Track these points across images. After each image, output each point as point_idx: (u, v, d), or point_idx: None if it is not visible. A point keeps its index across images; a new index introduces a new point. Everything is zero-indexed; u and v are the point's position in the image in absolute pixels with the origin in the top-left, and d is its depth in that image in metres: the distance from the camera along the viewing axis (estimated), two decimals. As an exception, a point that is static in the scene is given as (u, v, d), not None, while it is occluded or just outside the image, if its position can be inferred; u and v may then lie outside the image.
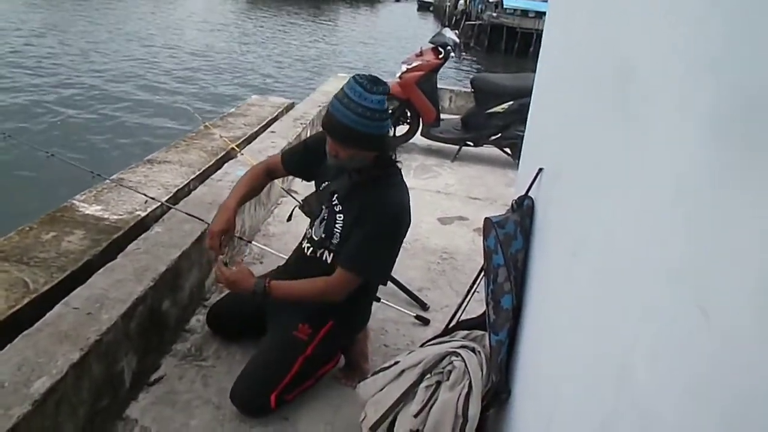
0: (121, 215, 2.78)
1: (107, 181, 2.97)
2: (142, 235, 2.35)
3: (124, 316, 1.82)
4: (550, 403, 1.32)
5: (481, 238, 1.67)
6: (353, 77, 1.79)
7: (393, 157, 1.98)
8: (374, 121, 1.77)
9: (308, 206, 2.18)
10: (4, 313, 1.97)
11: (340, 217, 1.98)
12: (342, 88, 1.79)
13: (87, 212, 2.79)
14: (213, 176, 3.14)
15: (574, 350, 1.19)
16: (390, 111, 5.31)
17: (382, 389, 1.78)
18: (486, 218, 1.63)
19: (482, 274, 1.81)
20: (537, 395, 1.44)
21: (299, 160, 2.17)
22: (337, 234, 1.98)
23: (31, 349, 1.59)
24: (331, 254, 2.02)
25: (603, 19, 1.31)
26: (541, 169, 1.64)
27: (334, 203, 2.01)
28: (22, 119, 7.70)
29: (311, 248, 2.08)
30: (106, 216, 2.77)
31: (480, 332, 1.84)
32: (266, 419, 1.91)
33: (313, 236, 2.08)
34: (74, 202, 2.89)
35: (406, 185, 2.01)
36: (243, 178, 2.22)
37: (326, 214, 2.03)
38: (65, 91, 9.52)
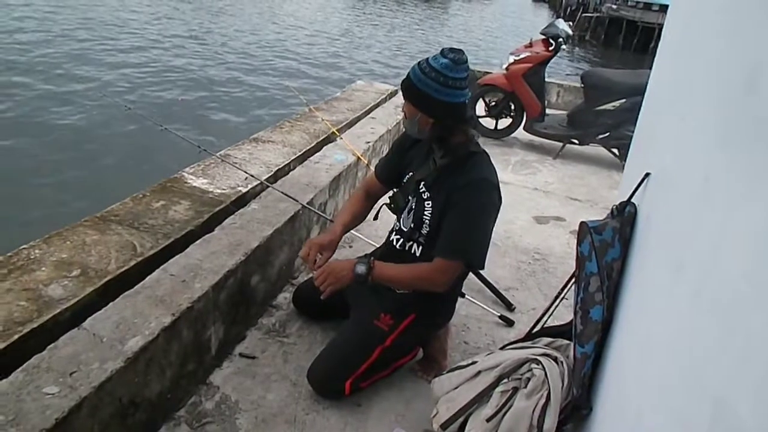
0: (224, 190, 2.91)
1: (214, 156, 3.11)
2: (239, 211, 2.44)
3: (215, 287, 1.90)
4: (633, 426, 1.23)
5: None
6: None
7: (469, 133, 1.95)
8: (437, 83, 1.78)
9: (395, 203, 2.16)
10: (113, 272, 2.12)
11: (428, 204, 1.95)
12: None
13: (194, 184, 2.94)
14: (311, 158, 3.21)
15: (665, 376, 1.09)
16: (494, 103, 5.22)
17: (456, 388, 1.75)
18: (582, 222, 1.54)
19: (573, 280, 1.72)
20: (619, 419, 1.35)
21: (388, 161, 2.18)
22: (427, 222, 1.95)
23: (129, 310, 1.70)
24: (420, 247, 2.00)
25: (733, 17, 1.18)
26: (647, 174, 1.52)
27: (421, 191, 1.99)
28: (143, 95, 8.28)
29: (400, 240, 2.06)
30: (210, 189, 2.90)
31: (565, 341, 1.75)
32: (339, 403, 1.93)
33: (402, 227, 2.06)
34: (184, 174, 3.06)
35: (491, 162, 1.97)
36: (346, 203, 2.27)
37: (414, 204, 2.01)
38: (184, 70, 10.12)
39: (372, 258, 1.93)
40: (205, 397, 1.90)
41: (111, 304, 1.73)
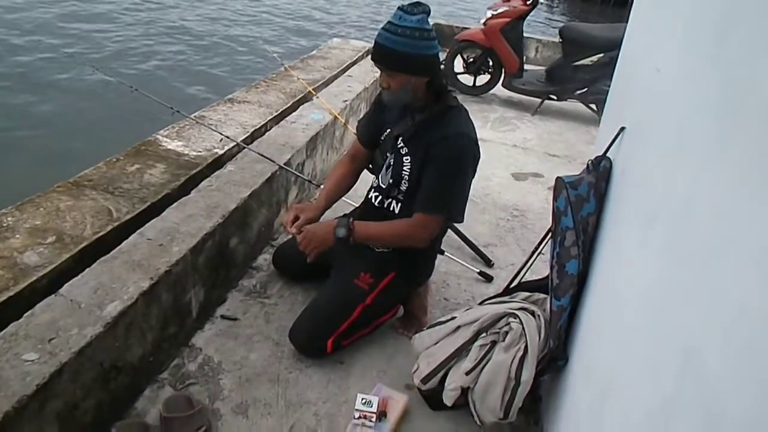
0: (200, 152, 2.86)
1: (188, 118, 3.05)
2: (215, 173, 2.41)
3: (193, 250, 1.89)
4: (607, 377, 1.27)
5: (555, 197, 1.60)
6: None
7: (445, 84, 1.92)
8: (417, 40, 1.74)
9: (373, 162, 2.15)
10: (89, 238, 2.09)
11: (407, 159, 1.95)
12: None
13: (169, 147, 2.88)
14: (288, 118, 3.17)
15: (638, 326, 1.12)
16: (471, 59, 5.16)
17: (436, 343, 1.78)
18: (557, 177, 1.55)
19: (549, 235, 1.74)
20: (594, 367, 1.39)
21: (367, 123, 2.15)
22: (406, 177, 1.95)
23: (107, 275, 1.68)
24: (399, 204, 2.00)
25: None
26: (622, 129, 1.52)
27: (399, 146, 1.98)
28: (114, 55, 8.01)
29: (379, 197, 2.06)
30: (186, 152, 2.85)
31: (542, 295, 1.78)
32: (321, 361, 1.96)
33: (381, 184, 2.06)
34: (158, 136, 3.00)
35: (468, 115, 1.96)
36: (332, 170, 2.25)
37: (392, 160, 2.00)
38: (153, 28, 9.79)
39: (351, 218, 1.93)
40: (187, 359, 1.91)
41: (88, 269, 1.72)
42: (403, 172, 1.95)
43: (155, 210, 2.22)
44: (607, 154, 1.58)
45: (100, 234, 2.13)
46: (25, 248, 1.96)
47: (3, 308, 1.68)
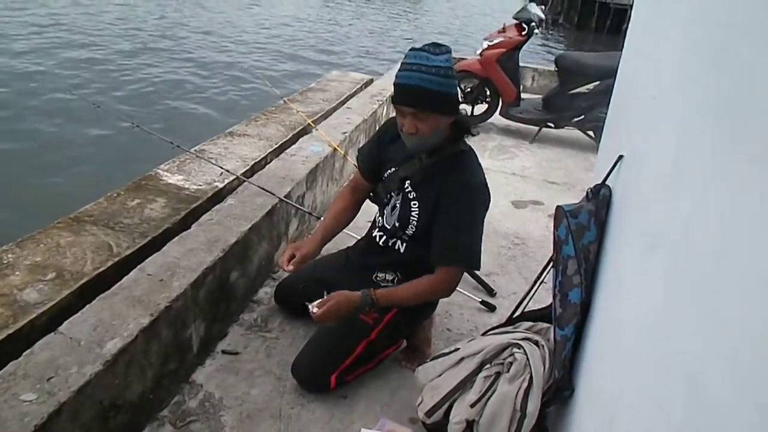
0: (200, 185, 2.88)
1: (189, 152, 3.07)
2: (216, 207, 2.42)
3: (194, 285, 1.88)
4: (612, 406, 1.24)
5: (556, 225, 1.60)
6: (410, 48, 1.76)
7: (468, 125, 1.89)
8: (448, 78, 1.70)
9: (375, 195, 2.13)
10: (90, 273, 2.09)
11: (415, 204, 1.91)
12: (403, 61, 1.74)
13: (169, 181, 2.90)
14: (287, 151, 3.19)
15: (640, 353, 1.11)
16: (469, 89, 5.22)
17: (440, 375, 1.76)
18: (558, 206, 1.55)
19: (551, 264, 1.73)
20: (599, 396, 1.37)
21: (368, 157, 2.10)
22: (414, 223, 1.91)
23: (107, 312, 1.67)
24: (404, 244, 1.99)
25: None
26: (621, 157, 1.53)
27: (406, 190, 1.93)
28: (112, 93, 8.10)
29: (383, 237, 2.04)
30: (186, 186, 2.87)
31: (545, 325, 1.77)
32: (324, 395, 1.93)
33: (386, 224, 2.03)
34: (158, 171, 3.02)
35: (478, 160, 1.93)
36: (332, 205, 2.22)
37: (398, 202, 1.96)
38: (151, 60, 9.93)
39: (372, 290, 1.86)
40: (188, 396, 1.88)
41: (87, 306, 1.71)
42: (411, 218, 1.92)
43: (156, 245, 2.22)
44: (606, 182, 1.58)
45: (100, 270, 2.13)
46: (24, 285, 1.96)
47: (2, 346, 1.67)
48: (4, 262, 2.11)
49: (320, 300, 1.81)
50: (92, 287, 1.97)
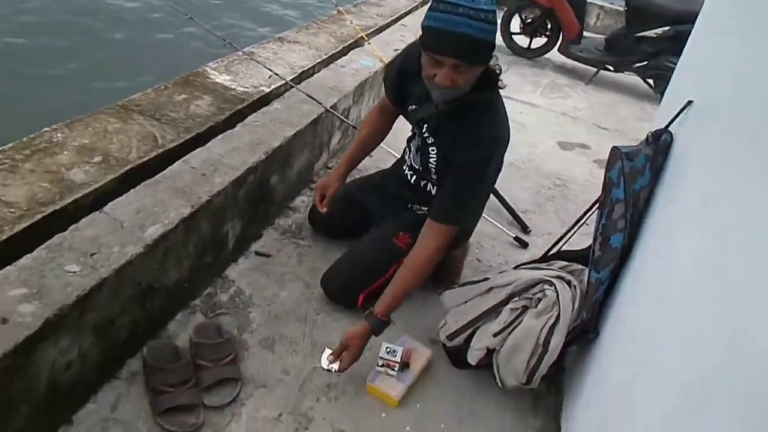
0: (246, 88, 2.85)
1: (239, 52, 3.03)
2: (262, 109, 2.41)
3: (235, 183, 1.90)
4: (642, 355, 1.24)
5: (601, 170, 1.55)
6: None
7: (498, 72, 1.66)
8: (492, 25, 1.49)
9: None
10: (134, 161, 2.12)
11: (433, 151, 1.82)
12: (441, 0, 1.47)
13: (217, 80, 2.88)
14: (337, 62, 3.12)
15: (683, 307, 1.09)
16: (529, 20, 4.98)
17: (466, 302, 1.77)
18: (614, 147, 1.50)
19: (596, 206, 1.69)
20: (628, 344, 1.37)
21: (393, 83, 1.94)
22: (433, 169, 1.86)
23: (150, 198, 1.71)
24: (435, 187, 1.95)
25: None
26: (689, 102, 1.45)
27: (425, 135, 1.83)
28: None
29: (414, 176, 2.01)
30: (233, 86, 2.84)
31: (579, 266, 1.75)
32: (349, 308, 1.97)
33: (413, 164, 1.98)
34: (207, 69, 2.99)
35: (503, 108, 1.74)
36: (358, 132, 2.11)
37: (419, 143, 1.88)
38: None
39: (372, 311, 1.70)
40: (220, 290, 1.95)
41: (132, 191, 1.74)
42: (430, 164, 1.85)
43: (199, 140, 2.23)
44: (669, 128, 1.51)
45: (144, 159, 2.16)
46: (72, 165, 2.00)
47: (48, 221, 1.72)
48: (54, 140, 2.14)
49: (329, 353, 1.72)
50: (135, 175, 2.00)
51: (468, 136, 1.69)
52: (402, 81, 1.88)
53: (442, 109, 1.71)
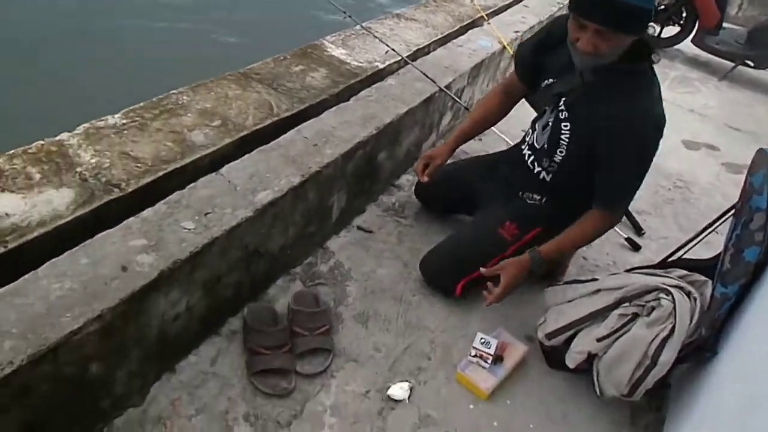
0: (361, 63, 2.85)
1: (357, 27, 3.04)
2: (376, 84, 2.40)
3: (345, 156, 1.90)
4: (763, 387, 1.12)
5: (729, 174, 1.40)
6: None
7: (653, 46, 1.54)
8: None
9: (532, 103, 1.95)
10: (250, 127, 2.19)
11: (566, 127, 1.71)
12: None
13: (333, 53, 2.91)
14: (455, 41, 3.05)
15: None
16: (662, 6, 4.62)
17: (570, 301, 1.68)
18: (761, 149, 1.35)
19: (730, 213, 1.54)
20: (749, 371, 1.23)
21: (527, 56, 1.84)
22: (563, 147, 1.74)
23: (263, 164, 1.75)
24: (550, 174, 1.84)
25: None
26: None
27: (560, 108, 1.72)
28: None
29: (531, 157, 1.90)
30: (348, 60, 2.86)
31: (702, 278, 1.60)
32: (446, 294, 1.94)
33: (535, 143, 1.87)
34: (324, 41, 3.03)
35: (659, 87, 1.60)
36: (478, 105, 2.03)
37: (551, 120, 1.76)
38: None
39: (536, 249, 1.72)
40: (320, 260, 1.98)
41: (247, 156, 1.80)
42: (561, 141, 1.73)
43: (312, 112, 2.26)
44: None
45: (259, 126, 2.22)
46: (194, 127, 2.09)
47: (169, 178, 1.82)
48: (180, 102, 2.25)
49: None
50: (250, 140, 2.06)
51: (620, 111, 1.54)
52: (539, 55, 1.80)
53: (587, 80, 1.60)
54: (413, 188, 2.34)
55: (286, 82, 2.58)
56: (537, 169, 1.88)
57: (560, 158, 1.77)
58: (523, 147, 1.96)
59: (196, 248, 1.39)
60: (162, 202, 1.53)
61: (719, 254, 1.49)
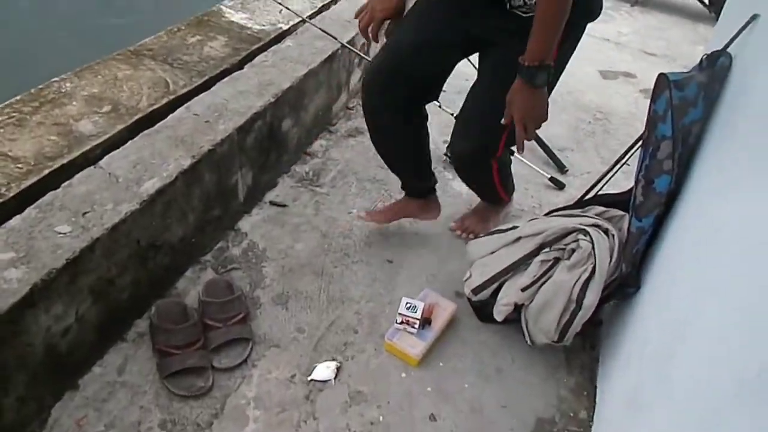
0: (263, 26, 2.68)
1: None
2: (272, 48, 2.24)
3: (240, 129, 1.76)
4: (687, 315, 1.08)
5: (648, 100, 1.34)
6: None
7: None
8: None
9: None
10: (144, 110, 2.02)
11: None
12: None
13: (232, 19, 2.72)
14: (357, -8, 2.89)
15: (738, 267, 0.92)
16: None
17: (493, 252, 1.62)
18: (660, 74, 1.29)
19: (639, 143, 1.49)
20: (672, 302, 1.21)
21: None
22: None
23: (148, 149, 1.60)
24: None
25: None
26: (755, 17, 1.22)
27: None
28: None
29: None
30: (249, 25, 2.68)
31: (619, 212, 1.57)
32: (369, 257, 1.85)
33: None
34: (222, 7, 2.84)
35: None
36: None
37: None
38: None
39: (521, 59, 1.34)
40: (232, 243, 1.85)
41: (130, 142, 1.64)
42: None
43: (212, 84, 2.10)
44: (728, 50, 1.28)
45: (155, 106, 2.05)
46: (81, 116, 1.91)
47: (56, 175, 1.65)
48: (63, 91, 2.06)
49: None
50: (147, 123, 1.90)
51: None
52: None
53: None
54: (362, 85, 1.69)
55: (182, 55, 2.39)
56: None
57: None
58: None
59: (74, 254, 1.25)
60: (32, 206, 1.37)
61: (632, 187, 1.44)
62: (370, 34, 1.60)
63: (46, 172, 1.60)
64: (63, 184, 1.45)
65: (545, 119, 1.44)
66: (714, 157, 1.23)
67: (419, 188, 1.91)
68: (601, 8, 1.62)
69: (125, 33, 3.17)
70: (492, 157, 1.69)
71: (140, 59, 2.33)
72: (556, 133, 2.65)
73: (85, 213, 1.35)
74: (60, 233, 1.29)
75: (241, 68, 2.14)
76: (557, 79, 1.59)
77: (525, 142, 1.47)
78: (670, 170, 1.29)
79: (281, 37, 2.59)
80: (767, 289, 0.78)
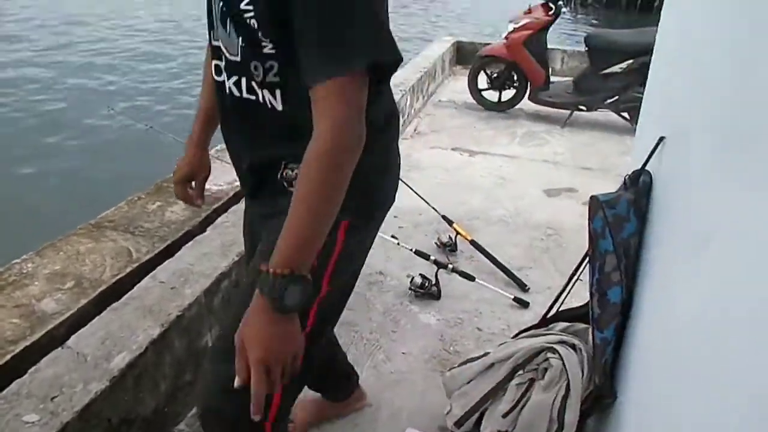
0: (221, 186, 2.81)
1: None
2: (232, 208, 2.34)
3: (207, 292, 1.80)
4: (663, 419, 1.11)
5: (592, 212, 1.45)
6: None
7: None
8: None
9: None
10: (108, 281, 2.04)
11: (247, 6, 0.98)
12: None
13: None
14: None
15: (695, 361, 0.97)
16: (495, 75, 5.04)
17: (469, 382, 1.64)
18: (592, 196, 1.41)
19: (586, 261, 1.59)
20: (648, 407, 1.23)
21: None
22: (254, 25, 0.99)
23: (116, 323, 1.60)
24: (279, 91, 1.04)
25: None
26: (662, 138, 1.38)
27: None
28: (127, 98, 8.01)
29: (236, 80, 1.08)
30: (207, 186, 2.80)
31: (583, 325, 1.62)
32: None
33: (227, 54, 1.07)
34: (179, 172, 2.97)
35: None
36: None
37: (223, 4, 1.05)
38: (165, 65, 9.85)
39: (263, 266, 0.93)
40: (206, 407, 1.80)
41: (97, 318, 1.64)
42: (246, 18, 0.99)
43: (175, 248, 2.15)
44: (646, 167, 1.43)
45: (118, 276, 2.08)
46: (43, 295, 1.92)
47: (21, 359, 1.62)
48: (24, 271, 2.07)
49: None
50: (111, 294, 1.92)
51: None
52: None
53: None
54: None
55: (144, 222, 2.46)
56: (257, 92, 1.07)
57: (270, 47, 1.02)
58: (220, 79, 1.12)
59: (43, 443, 1.21)
60: (-2, 397, 1.34)
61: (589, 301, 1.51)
62: (185, 200, 1.45)
63: (8, 357, 1.58)
64: (30, 370, 1.43)
65: (299, 360, 0.97)
66: (654, 264, 1.32)
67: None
68: (388, 203, 1.26)
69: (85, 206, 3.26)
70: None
71: (102, 231, 2.39)
72: (512, 254, 2.77)
73: (53, 397, 1.33)
74: (28, 423, 1.25)
75: (204, 231, 2.21)
76: (333, 310, 1.20)
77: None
78: (619, 281, 1.37)
79: (239, 195, 2.72)
80: (730, 388, 0.83)
